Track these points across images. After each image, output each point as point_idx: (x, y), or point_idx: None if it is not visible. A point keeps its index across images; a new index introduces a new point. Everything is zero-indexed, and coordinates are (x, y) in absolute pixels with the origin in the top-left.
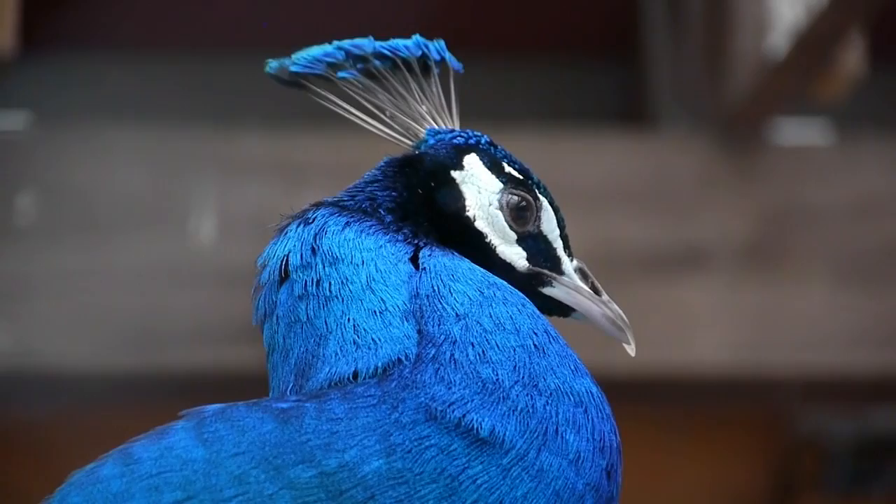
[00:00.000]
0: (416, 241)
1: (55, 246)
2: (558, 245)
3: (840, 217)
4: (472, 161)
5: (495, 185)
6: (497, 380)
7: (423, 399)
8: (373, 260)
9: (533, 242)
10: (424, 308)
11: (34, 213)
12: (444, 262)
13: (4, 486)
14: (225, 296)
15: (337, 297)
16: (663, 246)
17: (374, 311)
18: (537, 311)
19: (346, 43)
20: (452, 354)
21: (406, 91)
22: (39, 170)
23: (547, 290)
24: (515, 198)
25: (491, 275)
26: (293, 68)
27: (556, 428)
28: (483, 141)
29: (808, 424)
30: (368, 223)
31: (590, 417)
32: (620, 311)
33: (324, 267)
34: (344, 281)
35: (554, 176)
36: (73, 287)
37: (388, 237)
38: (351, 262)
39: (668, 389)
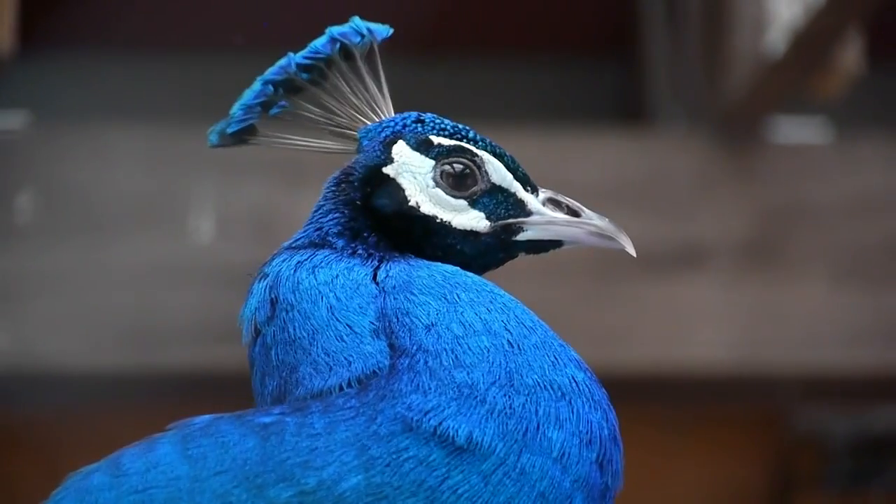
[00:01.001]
0: (371, 260)
1: (54, 245)
2: (516, 188)
3: (838, 215)
4: (399, 149)
5: (426, 164)
6: (472, 383)
7: (399, 409)
8: (331, 291)
9: (489, 198)
10: (393, 324)
11: (33, 213)
12: (402, 277)
13: (5, 483)
14: (223, 295)
15: (301, 336)
16: (662, 244)
17: (343, 336)
18: (509, 303)
19: (269, 73)
20: (426, 362)
21: (337, 96)
22: (38, 169)
23: (522, 237)
24: (449, 167)
25: (454, 274)
26: (231, 129)
27: (538, 426)
28: (409, 122)
29: (806, 422)
30: (321, 256)
31: (574, 409)
32: (605, 222)
33: (285, 313)
34: (306, 318)
35: (552, 174)
36: (71, 286)
37: (342, 264)
38: (309, 300)
39: (666, 388)
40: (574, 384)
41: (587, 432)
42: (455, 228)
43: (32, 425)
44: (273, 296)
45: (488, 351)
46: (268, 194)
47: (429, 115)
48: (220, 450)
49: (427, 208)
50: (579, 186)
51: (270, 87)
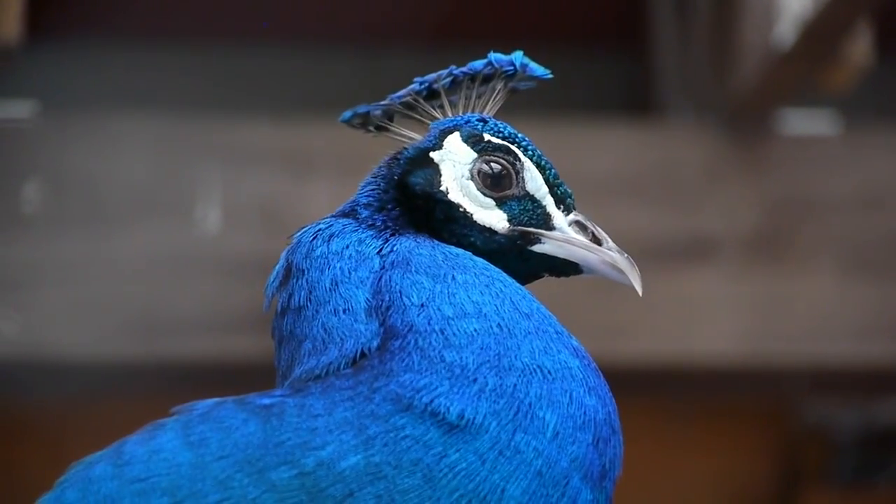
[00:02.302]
0: (385, 232)
1: (61, 235)
2: (548, 202)
3: (846, 207)
4: (451, 139)
5: (469, 155)
6: (462, 364)
7: (393, 387)
8: (337, 262)
9: (517, 204)
10: (387, 302)
11: (40, 202)
12: (403, 254)
13: (11, 473)
14: (230, 285)
15: (306, 305)
16: (670, 236)
17: (340, 310)
18: (507, 288)
19: (427, 77)
20: (416, 342)
21: (455, 103)
22: (45, 159)
23: (537, 248)
24: (488, 165)
25: (456, 255)
26: (363, 110)
27: (529, 406)
28: (473, 119)
29: (814, 415)
30: (341, 224)
31: (567, 392)
32: (620, 255)
33: (296, 280)
34: (311, 288)
35: (561, 166)
36: (78, 276)
37: (356, 235)
38: (317, 269)
39: (673, 380)
40: (567, 369)
41: (582, 415)
42: (475, 221)
43: (40, 415)
44: (289, 261)
45: (477, 333)
46: (275, 184)
47: (495, 120)
48: (222, 434)
49: (455, 196)
50: (587, 178)
51: (418, 86)
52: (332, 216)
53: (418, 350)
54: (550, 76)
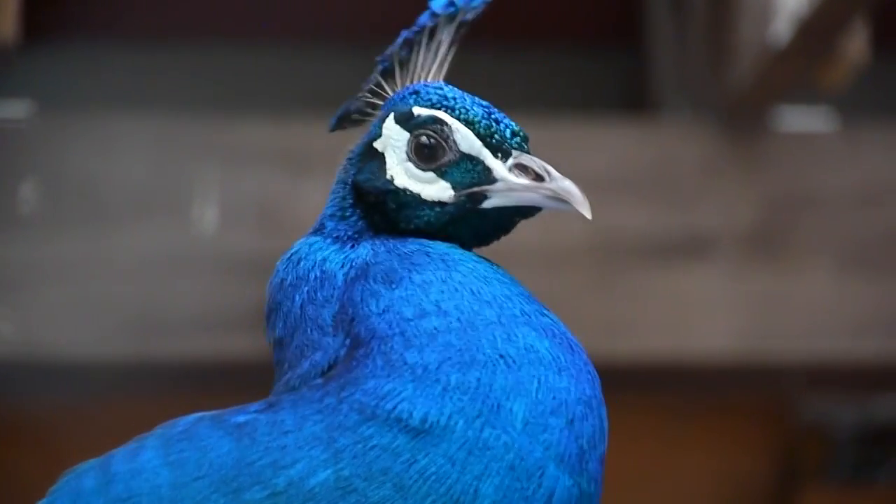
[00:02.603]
0: (347, 244)
1: (58, 235)
2: (484, 155)
3: (844, 204)
4: (388, 124)
5: (403, 136)
6: (424, 363)
7: (358, 396)
8: (305, 286)
9: (456, 168)
10: (350, 314)
11: (37, 202)
12: (360, 266)
13: (8, 474)
14: (228, 284)
15: (283, 335)
16: (667, 234)
17: (311, 329)
18: (466, 278)
19: (386, 52)
20: (380, 347)
21: (407, 71)
22: (42, 158)
23: (487, 204)
24: (419, 139)
25: (410, 256)
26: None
27: (496, 399)
28: (406, 94)
29: (812, 412)
30: (308, 245)
31: (535, 378)
32: (562, 184)
33: (275, 315)
34: (286, 318)
35: (557, 164)
36: (76, 276)
37: (321, 254)
38: (289, 298)
39: (671, 378)
40: (533, 353)
41: (551, 399)
42: (424, 200)
43: (37, 415)
44: (268, 293)
45: (438, 332)
46: (272, 184)
47: (430, 84)
48: (199, 454)
49: (400, 181)
50: (584, 175)
51: (381, 66)
52: (306, 235)
53: (381, 355)
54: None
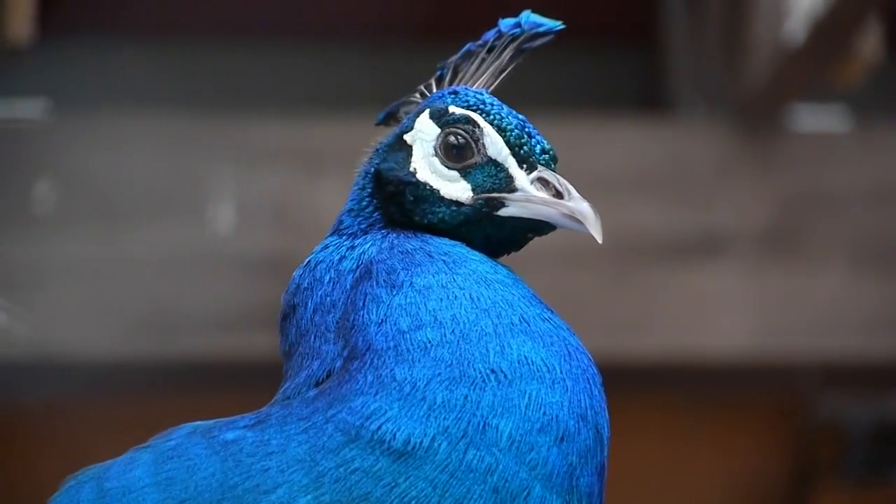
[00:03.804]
0: (361, 241)
1: (72, 234)
2: (510, 164)
3: (858, 203)
4: (422, 118)
5: (434, 131)
6: (413, 380)
7: (344, 415)
8: (319, 289)
9: (480, 171)
10: (350, 321)
11: (51, 201)
12: (366, 264)
13: (24, 473)
14: (241, 284)
15: (295, 342)
16: (682, 232)
17: (315, 337)
18: (466, 282)
19: (448, 60)
20: (372, 361)
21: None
22: (56, 158)
23: (503, 212)
24: (449, 137)
25: (412, 254)
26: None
27: (482, 417)
28: (445, 94)
29: (826, 410)
30: (324, 246)
31: (525, 394)
32: (580, 205)
33: (287, 321)
34: (298, 324)
35: (572, 162)
36: (89, 275)
37: (337, 252)
38: (302, 304)
39: (686, 376)
40: (526, 367)
41: (541, 416)
42: (442, 197)
43: (52, 413)
44: (283, 300)
45: (431, 345)
46: (286, 183)
47: (470, 88)
48: (186, 474)
49: (423, 175)
50: (600, 174)
51: (440, 72)
52: (324, 238)
53: (373, 369)
54: (562, 27)
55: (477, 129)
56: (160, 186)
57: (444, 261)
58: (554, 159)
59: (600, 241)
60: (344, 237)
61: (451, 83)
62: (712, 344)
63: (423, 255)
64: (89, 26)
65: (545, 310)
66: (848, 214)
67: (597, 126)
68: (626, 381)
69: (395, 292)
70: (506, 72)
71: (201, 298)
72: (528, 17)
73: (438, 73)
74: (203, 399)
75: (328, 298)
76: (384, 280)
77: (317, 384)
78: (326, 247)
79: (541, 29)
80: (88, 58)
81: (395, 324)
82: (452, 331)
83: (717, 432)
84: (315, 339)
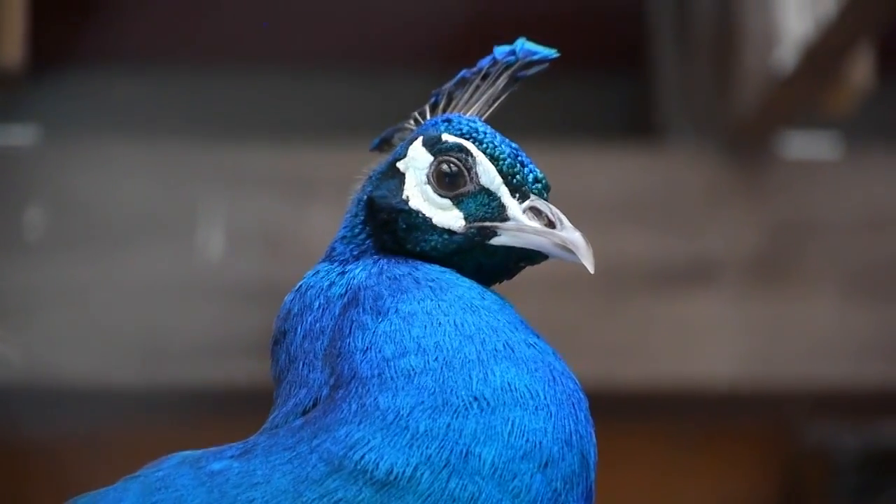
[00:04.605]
0: (351, 267)
1: (64, 260)
2: (502, 193)
3: (848, 230)
4: (415, 146)
5: (426, 159)
6: (397, 409)
7: (328, 444)
8: (309, 315)
9: (473, 200)
10: (337, 348)
11: (43, 227)
12: (354, 290)
13: (14, 500)
14: (232, 310)
15: (283, 368)
16: (671, 259)
17: (303, 364)
18: (451, 308)
19: (443, 87)
20: (357, 390)
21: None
22: (48, 183)
23: (495, 241)
24: (441, 166)
25: (399, 280)
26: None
27: (465, 446)
28: (438, 121)
29: (815, 437)
30: (315, 272)
31: (508, 420)
32: (572, 235)
33: (278, 346)
34: (288, 350)
35: (562, 189)
36: (80, 301)
37: (328, 278)
38: (292, 329)
39: (675, 403)
40: (510, 393)
41: (524, 443)
42: (434, 225)
43: (42, 440)
44: (274, 326)
45: (414, 372)
46: (277, 209)
47: (464, 116)
48: None
49: (415, 202)
50: (589, 201)
51: (434, 99)
52: (318, 263)
53: (357, 398)
54: (557, 55)
55: (470, 158)
56: (152, 212)
57: (430, 287)
58: (546, 188)
59: (592, 271)
60: (335, 263)
61: (444, 110)
62: (702, 371)
63: (410, 280)
64: (82, 52)
65: (531, 335)
66: (838, 242)
67: (586, 153)
68: (614, 409)
69: (380, 319)
70: (500, 100)
71: (191, 324)
72: (523, 45)
73: (433, 99)
74: (194, 425)
75: (317, 325)
76: (370, 307)
77: (304, 412)
78: (317, 272)
79: (535, 57)
80: (80, 84)
81: (379, 351)
82: (436, 358)
83: (706, 460)
84: (303, 366)
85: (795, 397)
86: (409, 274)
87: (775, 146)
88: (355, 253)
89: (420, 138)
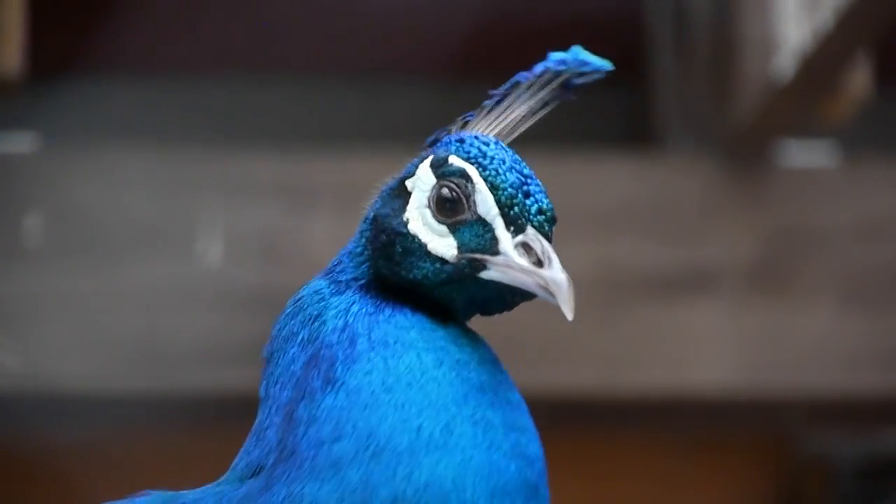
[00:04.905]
0: (334, 300)
1: (63, 267)
2: (497, 225)
3: (845, 239)
4: (423, 166)
5: (430, 181)
6: (316, 502)
7: None
8: (291, 347)
9: (469, 229)
10: (293, 409)
11: (41, 235)
12: (317, 344)
13: None
14: (231, 318)
15: (264, 389)
16: (668, 268)
17: (271, 410)
18: (398, 385)
19: (498, 90)
20: (290, 475)
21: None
22: (47, 191)
23: (485, 275)
24: (442, 190)
25: (354, 337)
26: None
27: None
28: (452, 140)
29: (813, 446)
30: (311, 290)
31: None
32: (556, 276)
33: (264, 369)
34: (266, 381)
35: (559, 198)
36: (79, 309)
37: (317, 307)
38: (275, 361)
39: (671, 412)
40: (433, 489)
41: None
42: (429, 251)
43: (41, 448)
44: (265, 346)
45: (342, 462)
46: (277, 217)
47: (480, 136)
48: None
49: (414, 226)
50: (587, 210)
51: (488, 102)
52: (318, 275)
53: (287, 485)
54: (610, 67)
55: (470, 185)
56: (150, 220)
57: (383, 355)
58: (550, 221)
59: (570, 318)
60: (331, 285)
61: (481, 119)
62: (699, 380)
63: (366, 344)
64: (81, 60)
65: (481, 406)
66: (836, 250)
67: (585, 162)
68: (611, 418)
69: (328, 390)
70: (539, 113)
71: (190, 332)
72: (577, 54)
73: (487, 103)
74: (192, 433)
75: (291, 367)
76: (324, 373)
77: (253, 474)
78: (313, 292)
79: (587, 68)
80: (79, 92)
81: (319, 429)
82: (366, 447)
83: (703, 468)
84: (268, 415)
85: (793, 406)
86: (368, 334)
87: (773, 155)
88: (349, 277)
89: (430, 158)
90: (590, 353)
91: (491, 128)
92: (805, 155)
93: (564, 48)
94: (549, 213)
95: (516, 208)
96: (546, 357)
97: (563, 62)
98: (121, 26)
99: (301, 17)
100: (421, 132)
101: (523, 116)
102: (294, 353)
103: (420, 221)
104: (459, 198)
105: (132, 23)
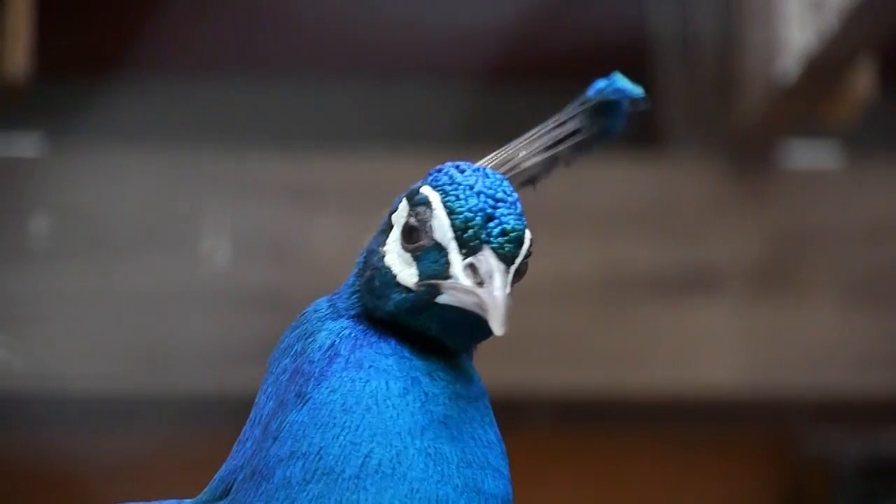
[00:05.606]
0: (328, 324)
1: (68, 268)
2: (451, 248)
3: (850, 240)
4: (404, 198)
5: (405, 212)
6: None
7: None
8: (283, 359)
9: (427, 255)
10: (270, 423)
11: (47, 236)
12: (303, 360)
13: None
14: (237, 318)
15: (254, 404)
16: (673, 269)
17: (254, 421)
18: (358, 406)
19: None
20: (246, 495)
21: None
22: (52, 192)
23: (440, 299)
24: (410, 219)
25: (330, 357)
26: None
27: None
28: (434, 169)
29: (817, 446)
30: (315, 308)
31: None
32: (488, 294)
33: (264, 379)
34: (262, 385)
35: (564, 198)
36: (86, 309)
37: (313, 325)
38: (271, 371)
39: (676, 412)
40: None
41: None
42: (398, 282)
43: (45, 449)
44: (271, 354)
45: (292, 483)
46: (284, 217)
47: (460, 164)
48: None
49: (388, 259)
50: (590, 210)
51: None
52: (324, 298)
53: None
54: (642, 95)
55: (429, 211)
56: (156, 220)
57: (351, 377)
58: (514, 243)
59: (499, 334)
60: (329, 308)
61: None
62: (703, 380)
63: (342, 363)
64: (87, 62)
65: (439, 440)
66: (840, 251)
67: (589, 162)
68: (616, 417)
69: (297, 405)
70: (565, 143)
71: (196, 332)
72: (615, 82)
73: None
74: (200, 433)
75: (280, 378)
76: (299, 388)
77: (223, 492)
78: (316, 310)
79: (621, 96)
80: (85, 92)
81: (282, 446)
82: (316, 470)
83: (707, 469)
84: (251, 426)
85: (798, 406)
86: (348, 355)
87: (778, 156)
88: (343, 307)
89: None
90: (595, 353)
91: (496, 158)
92: (810, 156)
93: (566, 49)
94: (513, 235)
95: (471, 231)
96: (551, 357)
97: (599, 91)
98: (126, 28)
99: (308, 16)
100: (428, 132)
101: (541, 149)
102: (286, 365)
103: (395, 254)
104: (419, 226)
105: (137, 24)
